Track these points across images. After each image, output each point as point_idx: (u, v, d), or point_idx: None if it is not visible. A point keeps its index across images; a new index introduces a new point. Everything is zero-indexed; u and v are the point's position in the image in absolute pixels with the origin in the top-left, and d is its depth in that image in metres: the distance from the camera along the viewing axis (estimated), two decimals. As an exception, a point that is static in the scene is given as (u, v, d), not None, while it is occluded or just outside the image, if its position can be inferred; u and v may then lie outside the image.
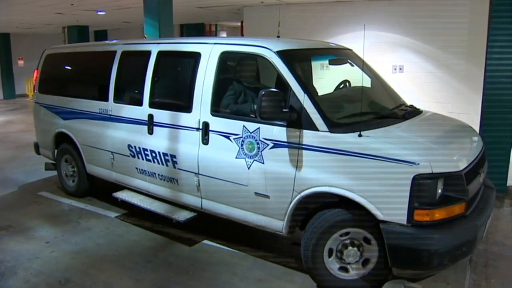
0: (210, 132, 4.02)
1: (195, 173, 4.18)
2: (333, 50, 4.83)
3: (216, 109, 4.02)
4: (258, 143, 3.70)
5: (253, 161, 3.74)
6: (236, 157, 3.84)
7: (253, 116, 3.76)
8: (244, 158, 3.79)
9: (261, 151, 3.69)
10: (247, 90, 4.06)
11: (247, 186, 3.81)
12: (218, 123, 3.98)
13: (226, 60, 4.17)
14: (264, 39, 4.03)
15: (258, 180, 3.73)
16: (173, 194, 4.51)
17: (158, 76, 4.57)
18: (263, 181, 3.70)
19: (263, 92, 3.37)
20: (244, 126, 3.78)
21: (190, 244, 4.47)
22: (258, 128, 3.69)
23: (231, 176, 3.91)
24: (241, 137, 3.80)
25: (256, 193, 3.77)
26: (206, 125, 4.04)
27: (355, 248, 3.44)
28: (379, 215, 3.15)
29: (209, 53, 4.12)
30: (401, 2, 9.51)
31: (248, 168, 3.77)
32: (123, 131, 4.87)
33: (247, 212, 3.91)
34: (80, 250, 4.36)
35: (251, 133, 3.73)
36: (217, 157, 3.99)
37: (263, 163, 3.69)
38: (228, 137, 3.90)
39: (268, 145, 3.64)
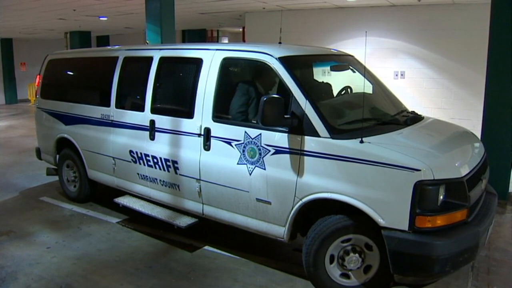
0: (211, 138, 4.03)
1: (197, 179, 4.18)
2: (335, 56, 4.84)
3: (218, 115, 4.03)
4: (259, 149, 3.70)
5: (254, 167, 3.74)
6: (237, 163, 3.84)
7: (255, 122, 3.77)
8: (246, 164, 3.79)
9: (262, 157, 3.69)
10: (250, 96, 4.06)
11: (249, 192, 3.81)
12: (219, 129, 3.98)
13: (228, 66, 4.18)
14: (266, 45, 4.04)
15: (259, 186, 3.73)
16: (175, 200, 4.50)
17: (160, 81, 4.58)
18: (264, 187, 3.70)
19: (265, 98, 3.38)
20: (245, 132, 3.78)
21: (191, 250, 4.46)
22: (260, 134, 3.69)
23: (232, 182, 3.91)
24: (243, 143, 3.80)
25: (257, 199, 3.77)
26: (207, 131, 4.05)
27: (357, 255, 3.43)
28: (381, 221, 3.14)
29: (211, 59, 4.12)
30: (402, 8, 9.56)
31: (250, 174, 3.77)
32: (124, 137, 4.87)
33: (248, 218, 3.90)
34: (81, 256, 4.35)
35: (252, 139, 3.73)
36: (218, 163, 3.99)
37: (264, 169, 3.68)
38: (229, 143, 3.90)
39: (269, 151, 3.65)
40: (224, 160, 3.94)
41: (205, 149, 4.08)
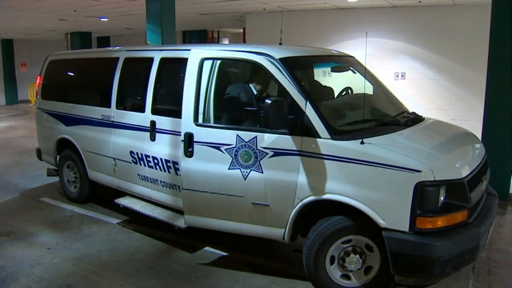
0: (195, 143, 3.89)
1: None
2: (335, 57, 4.83)
3: (206, 119, 3.91)
4: (255, 153, 3.64)
5: (250, 171, 3.67)
6: (229, 168, 3.77)
7: (251, 124, 3.73)
8: (239, 168, 3.71)
9: (259, 160, 3.63)
10: (248, 98, 4.03)
11: (243, 197, 3.73)
12: (205, 134, 3.86)
13: (228, 68, 4.16)
14: (266, 46, 4.03)
15: (256, 190, 3.66)
16: (175, 200, 4.49)
17: (161, 82, 4.57)
18: (262, 190, 3.64)
19: (270, 101, 3.34)
20: (238, 135, 3.69)
21: (192, 250, 4.46)
22: (255, 137, 3.62)
23: (223, 188, 3.81)
24: (235, 147, 3.72)
25: (253, 203, 3.71)
26: (189, 136, 3.92)
27: (357, 256, 3.43)
28: (381, 222, 3.14)
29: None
30: (403, 9, 9.56)
31: (245, 179, 3.70)
32: (125, 138, 4.87)
33: (241, 224, 3.82)
34: (81, 256, 4.35)
35: (246, 142, 3.67)
36: (205, 169, 3.87)
37: (261, 172, 3.63)
38: (218, 148, 3.81)
39: (267, 153, 3.60)
40: (213, 166, 3.84)
41: (186, 155, 3.93)
